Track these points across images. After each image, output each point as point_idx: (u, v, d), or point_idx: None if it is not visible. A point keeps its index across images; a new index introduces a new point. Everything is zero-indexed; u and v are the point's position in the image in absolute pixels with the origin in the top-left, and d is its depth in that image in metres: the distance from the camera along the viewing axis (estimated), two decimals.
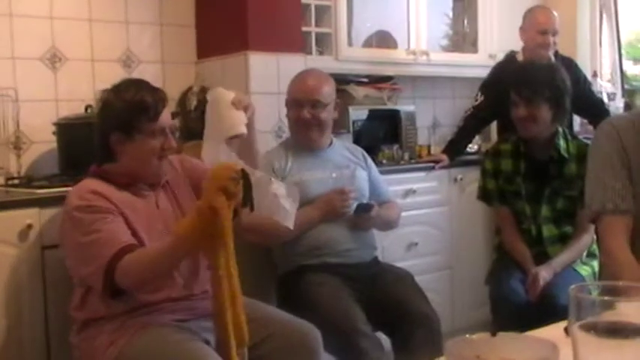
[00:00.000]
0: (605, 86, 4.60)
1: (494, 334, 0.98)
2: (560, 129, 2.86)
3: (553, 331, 1.20)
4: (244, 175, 1.81)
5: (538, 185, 2.82)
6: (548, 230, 2.82)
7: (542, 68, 2.87)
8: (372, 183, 2.87)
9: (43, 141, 2.95)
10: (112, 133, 2.09)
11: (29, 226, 2.34)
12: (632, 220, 1.83)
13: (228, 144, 1.96)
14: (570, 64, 3.88)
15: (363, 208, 2.68)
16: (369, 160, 2.95)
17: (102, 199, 2.01)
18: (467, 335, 0.98)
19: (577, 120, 4.11)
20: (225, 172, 1.76)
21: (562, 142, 2.82)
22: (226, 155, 1.83)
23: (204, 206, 1.76)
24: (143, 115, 2.06)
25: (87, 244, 1.96)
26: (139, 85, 2.16)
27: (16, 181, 2.78)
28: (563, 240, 2.82)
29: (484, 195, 2.99)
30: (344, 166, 2.81)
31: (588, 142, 2.83)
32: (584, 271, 2.82)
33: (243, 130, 1.97)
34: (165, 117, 2.12)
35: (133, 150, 2.09)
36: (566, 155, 2.80)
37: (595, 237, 2.72)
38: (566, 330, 1.21)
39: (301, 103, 2.71)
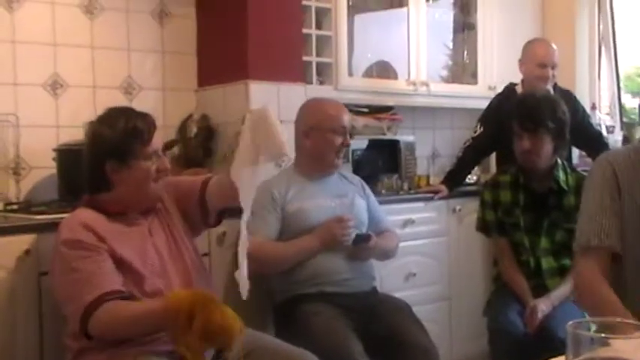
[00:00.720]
0: (603, 119, 4.62)
1: None
2: (560, 161, 2.87)
3: None
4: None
5: (537, 217, 2.82)
6: (546, 262, 2.81)
7: (544, 100, 2.89)
8: (371, 212, 2.88)
9: (42, 167, 2.96)
10: (106, 163, 2.09)
11: (27, 252, 2.33)
12: (609, 258, 1.83)
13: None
14: (569, 97, 3.90)
15: (362, 239, 2.68)
16: (368, 189, 2.96)
17: (90, 235, 2.01)
18: None
19: (576, 152, 4.12)
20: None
21: (561, 174, 2.83)
22: (263, 176, 1.82)
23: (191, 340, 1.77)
24: (137, 140, 2.08)
25: (67, 283, 1.97)
26: (128, 112, 2.18)
27: (14, 207, 2.78)
28: (562, 272, 2.81)
29: (483, 226, 2.99)
30: (343, 194, 2.81)
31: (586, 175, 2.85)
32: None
33: (286, 151, 1.90)
34: (157, 140, 2.16)
35: (129, 176, 2.10)
36: (565, 187, 2.80)
37: None
38: None
39: (344, 130, 2.79)
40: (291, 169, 2.86)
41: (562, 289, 2.76)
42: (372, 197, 2.96)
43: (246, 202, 1.84)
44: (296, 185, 2.76)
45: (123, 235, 2.07)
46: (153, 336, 2.02)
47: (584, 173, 2.85)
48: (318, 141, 2.79)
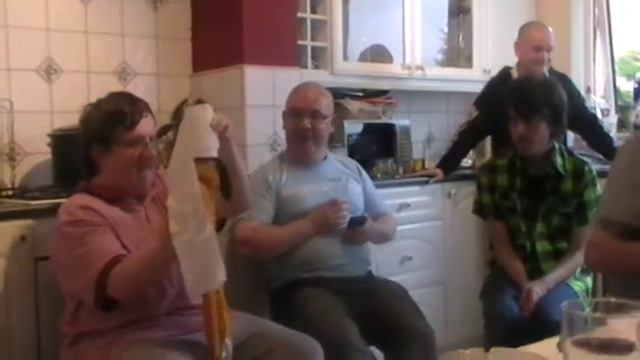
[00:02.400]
0: (598, 102, 4.62)
1: (487, 350, 0.98)
2: (557, 145, 2.86)
3: (546, 347, 1.20)
4: (219, 164, 1.81)
5: (533, 201, 2.82)
6: (542, 246, 2.82)
7: (540, 85, 2.85)
8: (367, 196, 2.88)
9: (37, 152, 2.95)
10: (92, 146, 2.10)
11: (22, 238, 2.33)
12: (626, 234, 1.85)
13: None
14: (564, 80, 3.89)
15: (357, 221, 2.68)
16: (364, 174, 2.95)
17: (90, 213, 2.01)
18: (460, 350, 0.98)
19: (570, 135, 4.13)
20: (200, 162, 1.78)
21: (559, 159, 2.81)
22: (191, 176, 1.79)
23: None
24: (119, 124, 2.06)
25: (76, 257, 1.95)
26: (119, 96, 2.18)
27: (9, 192, 2.77)
28: (558, 256, 2.82)
29: (479, 209, 3.00)
30: (337, 178, 2.81)
31: (585, 158, 2.84)
32: (578, 286, 2.82)
33: (214, 154, 1.87)
34: (144, 126, 2.10)
35: (112, 161, 2.09)
36: (562, 172, 2.79)
37: None
38: (558, 346, 1.21)
39: (301, 112, 2.72)
40: (285, 154, 2.86)
41: (557, 273, 2.76)
42: (369, 181, 2.96)
43: (174, 195, 1.79)
44: (290, 170, 2.76)
45: (122, 220, 2.06)
46: (150, 322, 2.02)
47: (583, 157, 2.85)
48: (287, 126, 2.81)
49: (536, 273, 2.78)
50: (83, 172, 2.17)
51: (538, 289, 2.66)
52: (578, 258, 2.76)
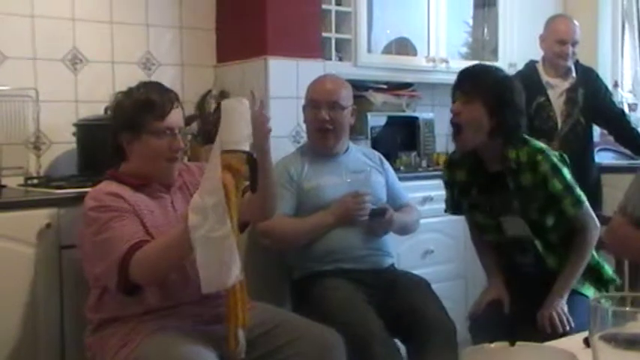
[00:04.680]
0: (626, 97, 4.56)
1: (512, 344, 0.97)
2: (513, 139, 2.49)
3: (572, 342, 1.18)
4: (250, 159, 1.81)
5: (500, 199, 2.48)
6: (537, 244, 2.47)
7: (483, 68, 2.60)
8: (390, 187, 2.87)
9: (62, 141, 2.97)
10: (121, 133, 2.12)
11: (48, 226, 2.36)
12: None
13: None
14: (591, 74, 3.85)
15: (378, 213, 2.67)
16: (387, 165, 2.94)
17: (117, 199, 2.03)
18: (485, 344, 0.97)
19: (597, 130, 4.08)
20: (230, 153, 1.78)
21: (511, 152, 2.44)
22: (215, 170, 1.76)
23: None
24: (150, 113, 2.08)
25: (101, 241, 1.97)
26: (150, 85, 2.20)
27: (35, 181, 2.79)
28: (552, 249, 2.49)
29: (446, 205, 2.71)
30: (359, 170, 2.80)
31: (541, 146, 2.47)
32: (588, 290, 2.52)
33: (245, 148, 1.87)
34: (174, 118, 2.12)
35: (140, 149, 2.11)
36: (514, 166, 2.43)
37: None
38: (585, 341, 1.20)
39: (319, 104, 2.71)
40: (306, 147, 2.86)
41: (563, 280, 2.43)
42: (392, 172, 2.94)
43: (200, 188, 1.80)
44: (311, 163, 2.76)
45: (147, 207, 2.08)
46: (172, 310, 2.03)
47: (537, 144, 2.48)
48: (307, 118, 2.81)
49: (544, 273, 2.48)
50: (111, 157, 2.19)
51: (553, 310, 2.37)
52: (582, 250, 2.44)
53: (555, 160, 2.41)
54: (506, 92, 2.43)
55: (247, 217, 2.14)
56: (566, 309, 2.37)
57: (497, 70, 2.57)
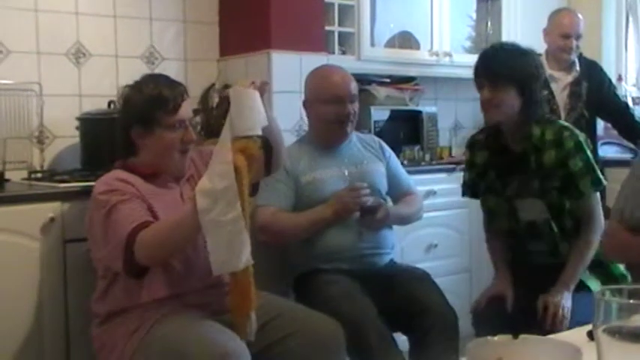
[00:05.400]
0: (630, 90, 4.55)
1: (516, 337, 0.97)
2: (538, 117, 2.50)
3: (576, 335, 1.18)
4: (265, 142, 1.82)
5: (522, 179, 2.48)
6: (554, 228, 2.45)
7: (506, 50, 2.53)
8: (391, 175, 2.83)
9: (66, 135, 2.98)
10: (132, 127, 2.13)
11: (52, 220, 2.36)
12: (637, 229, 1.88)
13: None
14: (595, 68, 3.85)
15: (369, 210, 2.62)
16: (388, 151, 2.89)
17: (127, 185, 2.05)
18: (489, 337, 0.97)
19: (601, 124, 4.07)
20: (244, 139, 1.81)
21: (536, 130, 2.45)
22: (226, 155, 1.79)
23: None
24: (162, 108, 2.09)
25: (108, 224, 1.99)
26: (158, 79, 2.20)
27: (38, 175, 2.80)
28: (566, 235, 2.47)
29: (463, 188, 2.69)
30: (358, 161, 2.77)
31: (568, 124, 2.50)
32: (593, 283, 2.48)
33: (258, 132, 1.90)
34: (185, 110, 2.14)
35: (153, 143, 2.12)
36: (539, 144, 2.43)
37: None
38: (589, 334, 1.20)
39: (344, 98, 2.68)
40: (304, 139, 2.85)
41: (571, 268, 2.41)
42: (393, 159, 2.90)
43: (208, 172, 1.82)
44: (309, 156, 2.73)
45: (158, 197, 2.09)
46: (179, 300, 2.05)
47: (563, 123, 2.54)
48: (315, 115, 2.77)
49: (523, 253, 2.52)
50: (121, 151, 2.20)
51: (558, 300, 2.33)
52: (589, 238, 2.42)
53: (581, 139, 2.43)
54: (530, 68, 2.45)
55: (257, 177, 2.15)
56: (569, 303, 2.35)
57: (515, 46, 2.53)
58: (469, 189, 2.66)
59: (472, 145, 2.65)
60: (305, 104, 2.80)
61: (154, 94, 2.10)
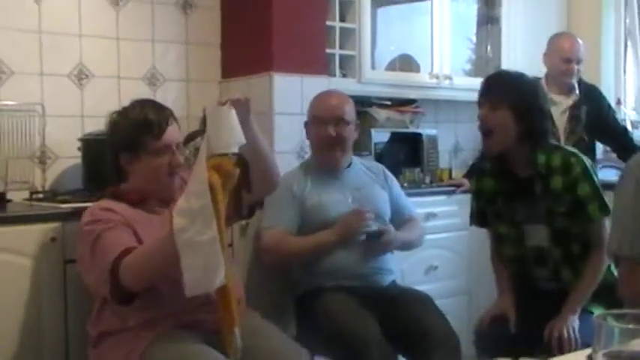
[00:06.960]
0: (629, 114, 4.57)
1: (516, 359, 0.98)
2: (543, 143, 2.52)
3: (576, 359, 1.18)
4: (240, 160, 1.82)
5: (528, 205, 2.50)
6: (557, 253, 2.50)
7: (509, 75, 2.60)
8: (394, 201, 2.86)
9: (67, 156, 2.99)
10: (120, 154, 2.14)
11: (53, 240, 2.36)
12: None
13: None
14: (594, 91, 3.87)
15: (374, 235, 2.66)
16: (390, 178, 2.94)
17: (110, 213, 2.06)
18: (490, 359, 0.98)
19: (600, 147, 4.09)
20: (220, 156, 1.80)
21: (542, 156, 2.47)
22: (202, 174, 1.77)
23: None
24: (148, 132, 2.09)
25: (94, 251, 1.99)
26: (144, 104, 2.20)
27: (40, 195, 2.80)
28: (571, 260, 2.49)
29: (471, 217, 2.74)
30: (362, 186, 2.80)
31: (574, 150, 2.52)
32: (597, 308, 2.47)
33: (234, 150, 1.88)
34: (171, 134, 2.13)
35: (141, 169, 2.13)
36: (544, 171, 2.45)
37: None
38: (589, 358, 1.20)
39: (326, 120, 2.72)
40: (310, 162, 2.87)
41: (579, 292, 2.43)
42: (396, 186, 2.94)
43: (185, 191, 1.80)
44: (315, 179, 2.76)
45: (144, 222, 2.10)
46: (169, 320, 2.04)
47: (569, 148, 2.58)
48: (310, 135, 2.82)
49: (556, 280, 2.51)
50: (112, 177, 2.21)
51: (563, 324, 2.35)
52: (597, 263, 2.43)
53: (587, 164, 2.46)
54: (531, 97, 2.48)
55: (257, 194, 2.18)
56: (577, 325, 2.37)
57: (521, 75, 2.58)
58: (477, 218, 2.70)
59: (478, 172, 2.68)
60: (305, 127, 2.86)
61: (139, 119, 2.11)
